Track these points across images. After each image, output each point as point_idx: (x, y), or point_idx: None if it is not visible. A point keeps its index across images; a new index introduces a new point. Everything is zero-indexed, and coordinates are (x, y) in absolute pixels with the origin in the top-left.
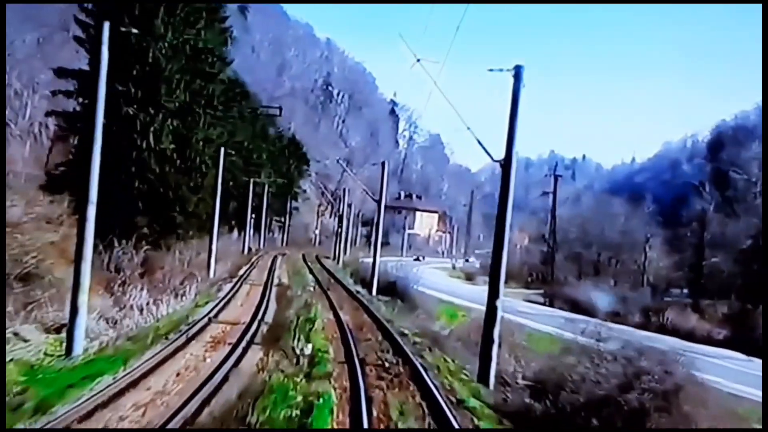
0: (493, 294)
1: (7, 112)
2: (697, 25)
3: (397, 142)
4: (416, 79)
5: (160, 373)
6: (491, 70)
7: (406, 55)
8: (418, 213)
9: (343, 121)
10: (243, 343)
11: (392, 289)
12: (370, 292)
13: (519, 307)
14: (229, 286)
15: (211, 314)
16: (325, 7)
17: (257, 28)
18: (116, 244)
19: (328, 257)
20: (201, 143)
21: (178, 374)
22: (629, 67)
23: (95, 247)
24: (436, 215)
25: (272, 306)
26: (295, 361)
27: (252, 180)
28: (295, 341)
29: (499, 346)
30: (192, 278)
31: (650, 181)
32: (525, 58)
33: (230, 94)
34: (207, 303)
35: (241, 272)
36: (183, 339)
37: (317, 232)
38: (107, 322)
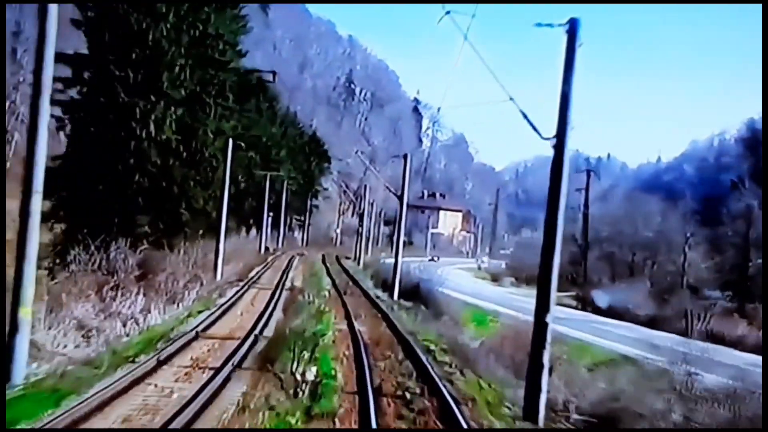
0: (543, 307)
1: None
2: (719, 22)
3: (420, 140)
4: (439, 76)
5: (101, 419)
6: (539, 24)
7: (427, 47)
8: (441, 212)
9: (366, 119)
10: (228, 369)
11: (415, 293)
12: (392, 296)
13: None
14: (234, 290)
15: (200, 327)
16: (348, 4)
17: (278, 24)
18: (113, 243)
19: (349, 257)
20: (211, 135)
21: (125, 420)
22: (652, 65)
23: (86, 246)
24: (460, 214)
25: (277, 315)
26: (292, 391)
27: (268, 176)
28: (296, 364)
29: (551, 371)
30: (196, 281)
31: (679, 180)
32: (546, 57)
33: (245, 86)
34: (202, 312)
35: (251, 274)
36: (153, 363)
37: (338, 231)
38: (84, 335)
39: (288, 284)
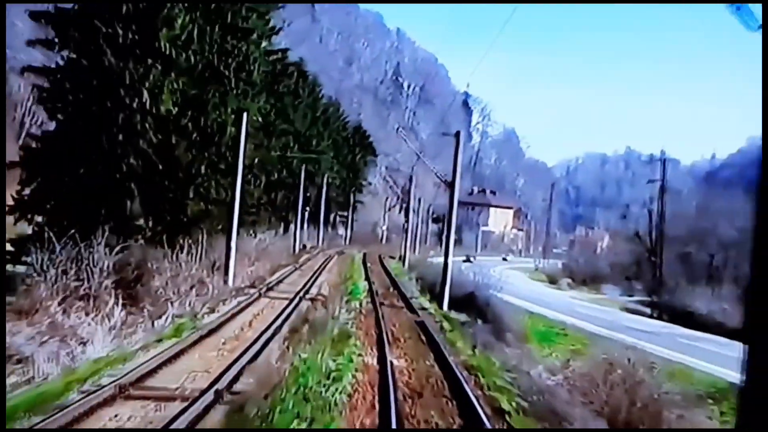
0: None
1: None
2: None
3: (470, 135)
4: (490, 69)
5: None
6: None
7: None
8: (491, 209)
9: (414, 114)
10: None
11: (469, 302)
12: (441, 306)
13: (624, 321)
14: (238, 301)
15: (138, 372)
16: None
17: (325, 17)
18: (95, 239)
19: (393, 257)
20: (232, 115)
21: None
22: (704, 61)
23: (64, 243)
24: (510, 211)
25: (276, 345)
26: None
27: (304, 167)
28: None
29: None
30: (200, 288)
31: (737, 177)
32: (599, 54)
33: (279, 66)
34: (174, 337)
35: (272, 278)
36: None
37: (385, 228)
38: None
39: (313, 291)
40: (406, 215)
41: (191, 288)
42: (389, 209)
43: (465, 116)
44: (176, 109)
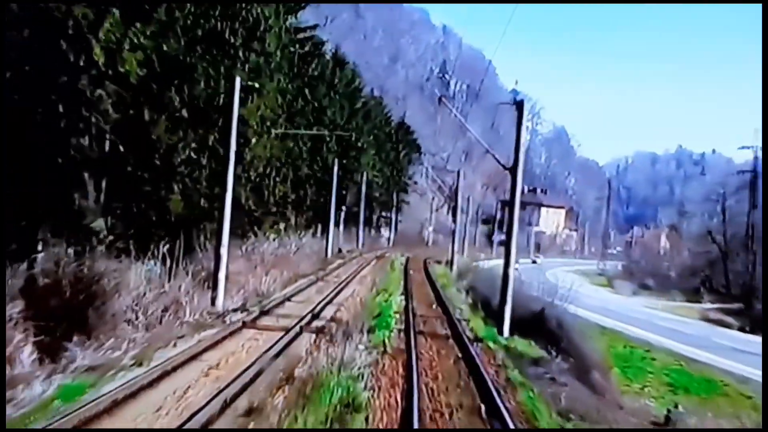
0: None
1: None
2: None
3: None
4: (539, 66)
5: None
6: None
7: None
8: (543, 208)
9: (461, 112)
10: None
11: (537, 323)
12: (500, 330)
13: (715, 336)
14: (205, 337)
15: None
16: None
17: (369, 13)
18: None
19: (440, 261)
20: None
21: None
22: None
23: None
24: (562, 211)
25: None
26: None
27: (336, 161)
28: None
29: None
30: (174, 312)
31: None
32: (649, 52)
33: (308, 46)
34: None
35: (280, 293)
36: None
37: (431, 230)
38: None
39: (326, 313)
40: (454, 216)
41: (165, 312)
42: (436, 210)
43: (515, 114)
44: (145, 73)
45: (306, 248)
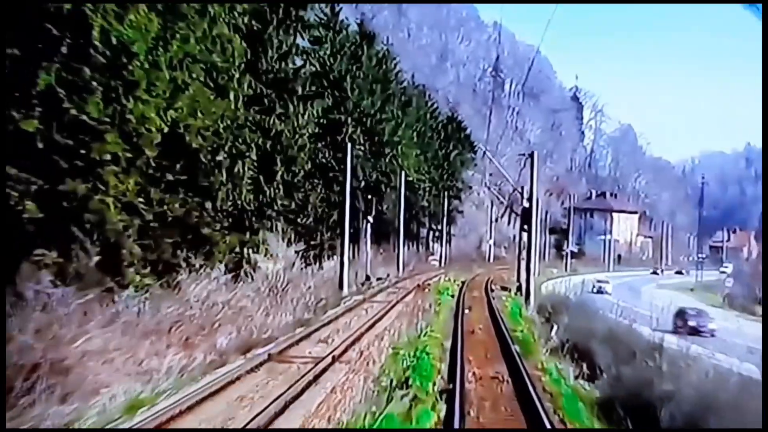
0: None
1: None
2: None
3: (582, 133)
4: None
5: None
6: None
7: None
8: (614, 215)
9: (518, 113)
10: None
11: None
12: None
13: None
14: None
15: None
16: None
17: (412, 11)
18: None
19: (506, 288)
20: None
21: None
22: None
23: None
24: (635, 216)
25: None
26: None
27: (349, 152)
28: None
29: None
30: None
31: None
32: (715, 47)
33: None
34: None
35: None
36: None
37: (491, 243)
38: None
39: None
40: (522, 228)
41: None
42: (496, 220)
43: (576, 113)
44: None
45: (315, 277)
